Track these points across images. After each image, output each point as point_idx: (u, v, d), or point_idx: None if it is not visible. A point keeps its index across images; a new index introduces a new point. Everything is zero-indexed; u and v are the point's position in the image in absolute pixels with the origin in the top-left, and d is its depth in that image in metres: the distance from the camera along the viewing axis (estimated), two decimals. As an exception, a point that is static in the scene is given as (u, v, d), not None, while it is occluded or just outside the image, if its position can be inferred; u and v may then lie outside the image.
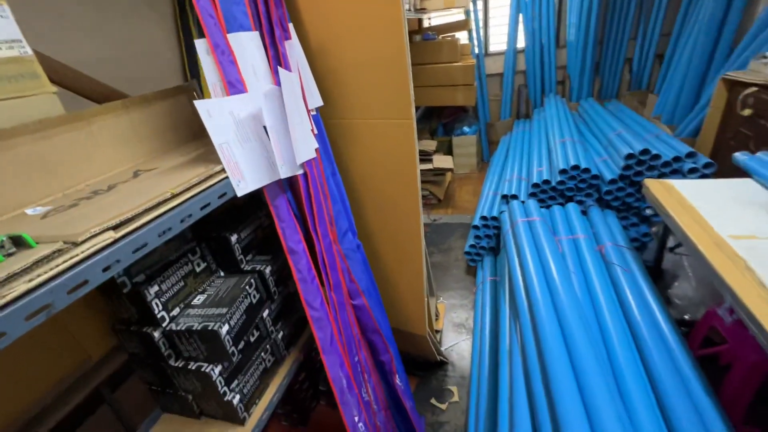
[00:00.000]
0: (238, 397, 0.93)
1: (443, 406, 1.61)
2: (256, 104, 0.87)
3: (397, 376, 1.26)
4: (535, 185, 2.25)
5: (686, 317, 1.72)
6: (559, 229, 1.91)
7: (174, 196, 0.69)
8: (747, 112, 1.84)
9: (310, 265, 0.98)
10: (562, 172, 2.15)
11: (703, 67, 2.45)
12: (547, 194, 2.25)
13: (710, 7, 2.39)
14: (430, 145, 3.68)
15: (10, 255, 0.52)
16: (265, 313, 1.04)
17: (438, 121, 4.36)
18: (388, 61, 0.98)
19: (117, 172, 0.92)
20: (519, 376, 1.29)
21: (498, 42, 4.13)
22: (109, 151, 0.92)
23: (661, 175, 1.93)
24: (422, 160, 3.41)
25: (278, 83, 0.94)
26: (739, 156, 1.50)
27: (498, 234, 2.36)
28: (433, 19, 4.34)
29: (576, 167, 2.11)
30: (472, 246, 2.42)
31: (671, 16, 3.34)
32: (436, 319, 1.99)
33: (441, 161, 3.40)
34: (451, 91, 3.70)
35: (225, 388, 0.90)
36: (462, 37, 3.93)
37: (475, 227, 2.38)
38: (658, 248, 1.58)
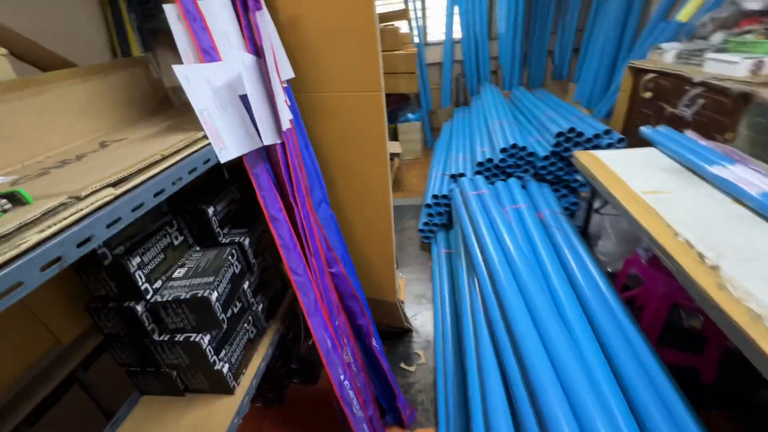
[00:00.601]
0: (227, 366, 0.94)
1: (412, 369, 1.73)
2: (232, 73, 0.88)
3: (373, 338, 1.34)
4: (480, 164, 2.44)
5: (609, 270, 2.02)
6: (504, 201, 2.11)
7: (164, 158, 0.69)
8: (648, 94, 2.18)
9: (291, 233, 1.01)
10: (503, 150, 2.36)
11: (611, 58, 2.83)
12: (490, 172, 2.45)
13: (614, 7, 2.76)
14: (378, 131, 3.77)
15: (6, 211, 0.50)
16: (246, 285, 1.05)
17: (383, 109, 4.45)
18: (358, 31, 1.02)
19: (80, 143, 0.87)
20: (483, 329, 1.43)
21: (436, 32, 4.32)
22: (67, 120, 0.86)
23: (585, 149, 2.22)
24: (371, 146, 3.48)
25: (252, 52, 0.95)
26: (644, 129, 1.79)
27: (449, 211, 2.53)
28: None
29: (515, 146, 2.34)
30: (425, 224, 2.57)
31: (584, 13, 3.76)
32: (398, 292, 2.09)
33: (391, 147, 3.50)
34: (394, 78, 3.80)
35: (214, 357, 0.91)
36: (402, 26, 4.04)
37: (428, 206, 2.52)
38: (586, 210, 1.83)
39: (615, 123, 2.54)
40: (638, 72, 2.31)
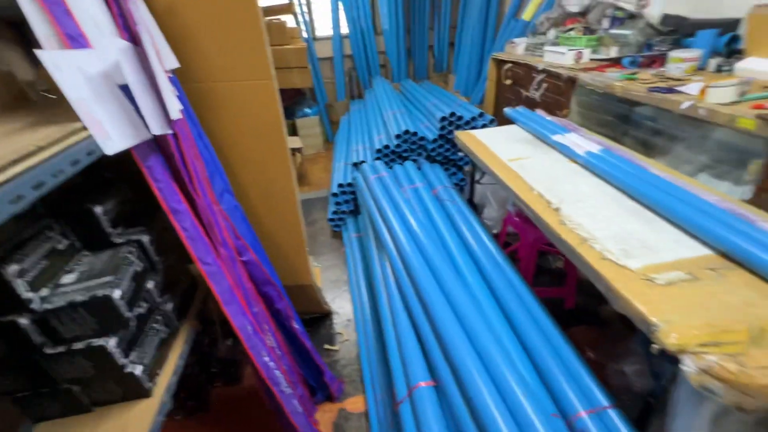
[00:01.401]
0: (140, 367, 0.90)
1: (336, 347, 1.81)
2: (107, 61, 0.84)
3: (294, 320, 1.38)
4: (378, 150, 2.61)
5: (495, 232, 2.36)
6: (402, 182, 2.31)
7: (41, 149, 0.64)
8: (508, 81, 2.58)
9: (195, 223, 1.00)
10: (397, 137, 2.56)
11: (479, 51, 3.24)
12: (388, 157, 2.64)
13: (477, 7, 3.17)
14: (276, 127, 3.70)
15: None
16: (151, 285, 1.01)
17: (278, 105, 4.37)
18: (240, 19, 1.04)
19: None
20: (395, 297, 1.58)
21: (324, 27, 4.38)
22: None
23: (464, 131, 2.53)
24: (271, 142, 3.42)
25: (128, 40, 0.91)
26: (507, 110, 2.14)
27: (354, 198, 2.65)
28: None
29: (407, 132, 2.55)
30: (334, 213, 2.65)
31: (455, 12, 4.21)
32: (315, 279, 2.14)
33: (290, 142, 3.48)
34: (286, 73, 3.77)
35: (124, 360, 0.87)
36: (289, 20, 4.01)
37: (334, 194, 2.61)
38: (470, 182, 2.12)
39: (487, 107, 2.94)
40: (499, 63, 2.71)
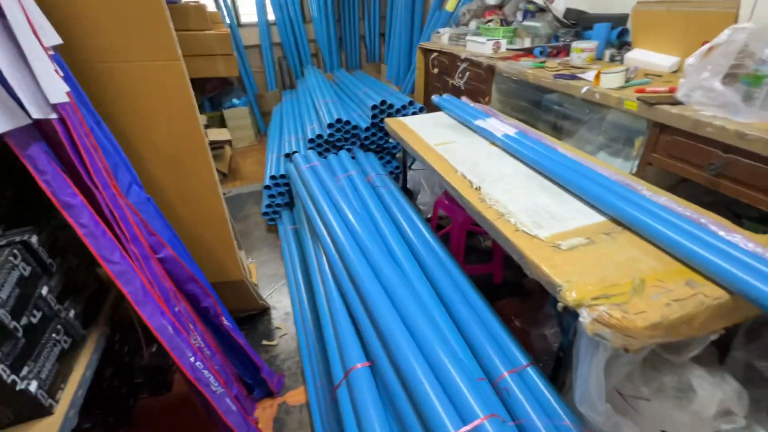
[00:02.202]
0: (35, 383, 0.80)
1: (274, 342, 1.76)
2: (-38, 32, 0.71)
3: (223, 317, 1.32)
4: (311, 140, 2.56)
5: (428, 216, 2.44)
6: (336, 171, 2.29)
7: None
8: (435, 70, 2.66)
9: (95, 219, 0.91)
10: (330, 126, 2.53)
11: (408, 41, 3.30)
12: (322, 147, 2.59)
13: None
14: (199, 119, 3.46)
15: None
16: (44, 290, 0.90)
17: (202, 96, 4.08)
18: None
19: None
20: (332, 287, 1.57)
21: (249, 13, 4.15)
22: None
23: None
24: (195, 135, 3.19)
25: (-9, 9, 0.78)
26: (434, 98, 2.21)
27: (289, 190, 2.58)
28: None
29: (339, 120, 2.53)
30: (268, 206, 2.56)
31: (384, 2, 4.23)
32: (250, 276, 2.06)
33: (217, 134, 3.28)
34: (209, 61, 3.53)
35: (13, 376, 0.76)
36: (209, 3, 3.74)
37: (267, 187, 2.51)
38: (403, 169, 2.16)
39: (417, 95, 3.01)
40: (426, 52, 2.78)
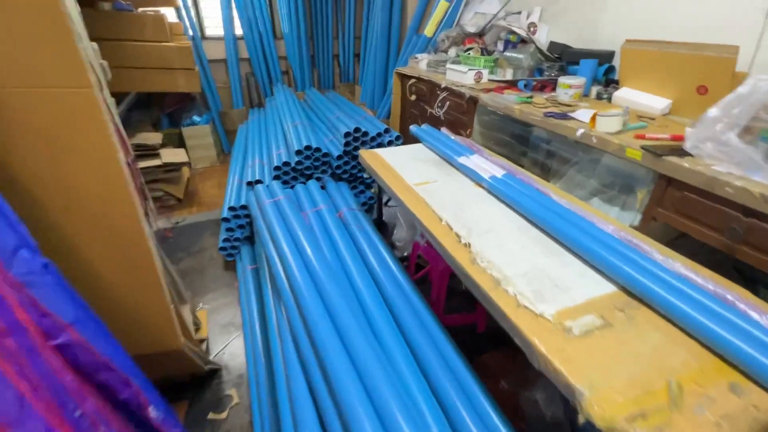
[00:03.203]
0: None
1: (223, 415, 1.47)
2: None
3: (150, 408, 1.04)
4: (277, 168, 2.32)
5: (405, 254, 2.24)
6: (304, 205, 2.06)
7: None
8: (413, 97, 2.52)
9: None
10: (298, 152, 2.31)
11: (384, 64, 3.16)
12: (289, 175, 2.36)
13: (380, 19, 3.08)
14: (153, 138, 3.13)
15: None
16: None
17: (160, 111, 3.75)
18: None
19: None
20: (291, 351, 1.32)
21: (214, 26, 3.90)
22: None
23: (371, 148, 2.39)
24: (145, 156, 2.86)
25: None
26: (413, 129, 2.04)
27: (250, 222, 2.31)
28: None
29: (309, 147, 2.31)
30: (225, 240, 2.27)
31: (359, 22, 4.11)
32: (198, 329, 1.77)
33: (172, 155, 2.96)
34: (168, 75, 3.24)
35: None
36: (169, 14, 3.47)
37: (225, 219, 2.24)
38: (377, 205, 1.96)
39: (393, 122, 2.85)
40: (403, 77, 2.64)
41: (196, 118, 3.61)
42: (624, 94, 1.64)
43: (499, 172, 1.48)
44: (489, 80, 2.14)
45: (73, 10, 0.96)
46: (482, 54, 2.32)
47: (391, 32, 3.00)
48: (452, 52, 2.42)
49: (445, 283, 1.69)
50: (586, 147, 1.44)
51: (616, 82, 1.74)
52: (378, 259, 1.65)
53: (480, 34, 2.43)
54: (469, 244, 1.13)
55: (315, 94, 3.74)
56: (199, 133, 3.59)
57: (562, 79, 1.74)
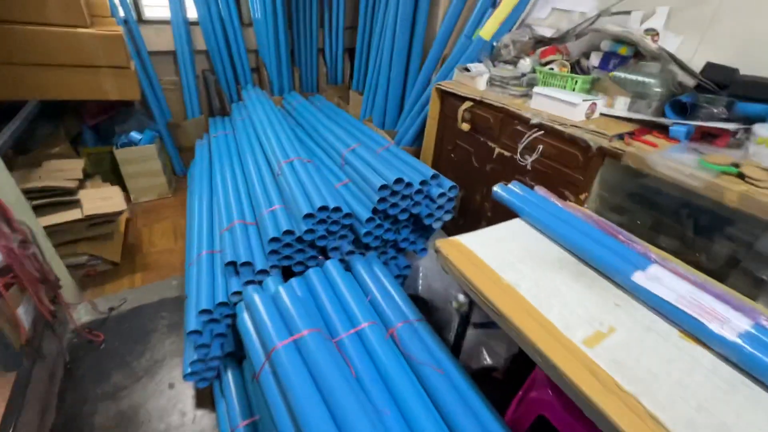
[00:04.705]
0: None
1: None
2: None
3: None
4: (275, 239, 1.49)
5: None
6: (328, 313, 1.28)
7: None
8: (465, 126, 1.78)
9: None
10: (308, 216, 1.49)
11: (401, 72, 2.37)
12: (292, 248, 1.54)
13: (395, 10, 2.25)
14: (69, 169, 2.13)
15: None
16: None
17: (79, 123, 2.69)
18: None
19: None
20: None
21: (156, 4, 2.86)
22: None
23: (415, 204, 1.63)
24: (55, 205, 1.88)
25: None
26: (499, 191, 1.31)
27: (234, 324, 1.48)
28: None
29: (324, 208, 1.51)
30: (198, 361, 1.42)
31: (352, 9, 3.24)
32: None
33: (99, 200, 1.99)
34: (88, 75, 2.22)
35: None
36: (88, -15, 2.41)
37: (196, 332, 1.38)
38: (461, 325, 1.22)
39: (425, 154, 2.10)
40: (446, 96, 1.88)
41: (134, 134, 2.60)
42: None
43: (741, 321, 0.81)
44: (600, 114, 1.45)
45: None
46: (574, 71, 1.62)
47: (415, 30, 2.20)
48: (525, 64, 1.69)
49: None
50: None
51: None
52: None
53: (559, 39, 1.73)
54: None
55: (301, 103, 2.86)
56: (139, 156, 2.59)
57: (762, 130, 1.09)
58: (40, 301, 1.40)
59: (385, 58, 2.37)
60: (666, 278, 0.93)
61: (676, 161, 1.07)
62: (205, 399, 1.48)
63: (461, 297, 1.07)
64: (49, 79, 2.14)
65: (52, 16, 2.04)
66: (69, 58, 2.14)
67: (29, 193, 1.77)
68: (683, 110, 1.32)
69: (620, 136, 1.24)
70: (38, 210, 1.77)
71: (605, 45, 1.57)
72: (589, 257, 1.03)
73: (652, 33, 1.49)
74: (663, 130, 1.29)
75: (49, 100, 2.36)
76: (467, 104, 1.72)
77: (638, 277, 0.93)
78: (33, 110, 2.28)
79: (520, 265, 1.03)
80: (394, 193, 1.57)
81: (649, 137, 1.25)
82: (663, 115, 1.39)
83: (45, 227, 1.72)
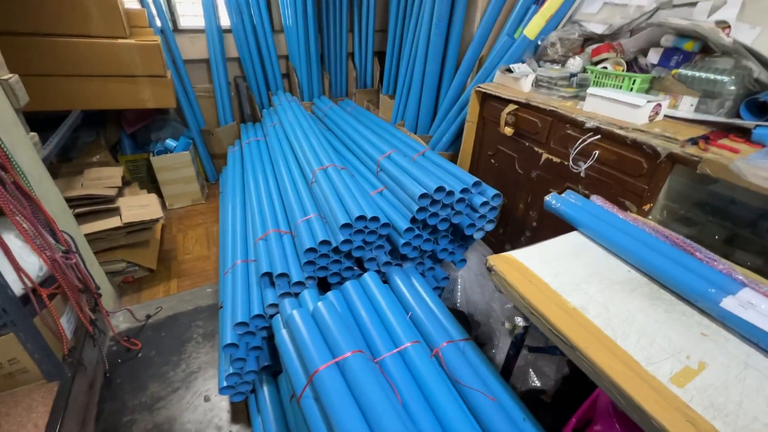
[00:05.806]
0: None
1: None
2: None
3: None
4: (311, 250, 1.44)
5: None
6: (368, 330, 1.21)
7: None
8: (509, 131, 1.68)
9: None
10: (346, 226, 1.44)
11: (436, 74, 2.28)
12: (328, 259, 1.49)
13: (429, 10, 2.18)
14: (109, 176, 2.17)
15: None
16: None
17: (118, 131, 2.76)
18: None
19: None
20: None
21: (191, 14, 2.91)
22: None
23: (456, 213, 1.54)
24: (96, 212, 1.91)
25: None
26: (552, 201, 1.21)
27: (271, 337, 1.44)
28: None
29: (362, 217, 1.45)
30: (234, 375, 1.39)
31: (382, 12, 3.20)
32: None
33: (137, 208, 2.01)
34: (128, 84, 2.27)
35: None
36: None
37: (233, 345, 1.35)
38: (514, 348, 1.13)
39: (462, 160, 2.01)
40: (487, 99, 1.79)
41: (170, 142, 2.64)
42: None
43: None
44: (664, 116, 1.33)
45: None
46: (631, 70, 1.49)
47: (450, 30, 2.12)
48: (574, 64, 1.58)
49: None
50: None
51: None
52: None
53: (612, 36, 1.61)
54: None
55: (332, 108, 2.83)
56: (174, 163, 2.63)
57: None
58: (82, 311, 1.41)
59: (419, 61, 2.29)
60: (763, 304, 0.81)
61: (766, 169, 0.94)
62: (240, 414, 1.45)
63: (519, 320, 0.98)
64: (92, 90, 2.20)
65: (96, 29, 2.09)
66: (110, 69, 2.18)
67: (71, 201, 1.80)
68: (763, 110, 1.18)
69: (693, 141, 1.11)
70: (79, 218, 1.81)
71: (667, 40, 1.44)
72: (665, 278, 0.92)
73: (723, 25, 1.35)
74: (741, 133, 1.15)
75: (91, 112, 2.43)
76: (511, 107, 1.62)
77: (729, 303, 0.81)
78: (76, 119, 2.35)
79: (585, 285, 0.93)
80: (434, 202, 1.49)
81: (726, 141, 1.12)
82: (737, 116, 1.25)
83: (85, 235, 1.75)
